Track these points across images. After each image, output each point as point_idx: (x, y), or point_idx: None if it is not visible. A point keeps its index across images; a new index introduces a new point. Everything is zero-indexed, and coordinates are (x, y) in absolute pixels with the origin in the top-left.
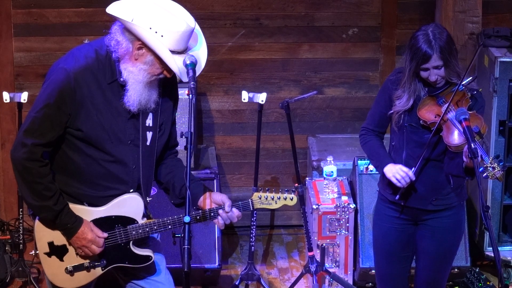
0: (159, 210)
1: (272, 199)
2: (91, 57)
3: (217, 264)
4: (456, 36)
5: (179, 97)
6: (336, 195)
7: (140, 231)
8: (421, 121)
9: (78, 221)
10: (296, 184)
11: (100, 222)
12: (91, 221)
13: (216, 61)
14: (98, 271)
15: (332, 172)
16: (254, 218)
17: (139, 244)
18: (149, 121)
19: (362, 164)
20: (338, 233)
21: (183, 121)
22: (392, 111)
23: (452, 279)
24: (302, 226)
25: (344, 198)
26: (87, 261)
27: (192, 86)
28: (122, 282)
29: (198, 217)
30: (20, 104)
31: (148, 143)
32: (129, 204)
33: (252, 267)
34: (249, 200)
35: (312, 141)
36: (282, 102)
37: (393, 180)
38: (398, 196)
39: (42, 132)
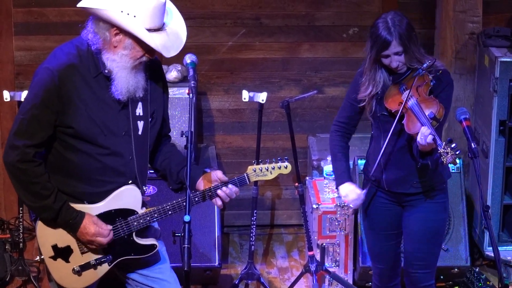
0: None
1: (267, 170)
2: (72, 54)
3: (217, 263)
4: (457, 35)
5: (179, 96)
6: (336, 195)
7: (141, 221)
8: (388, 110)
9: (80, 215)
10: (296, 184)
11: (101, 218)
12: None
13: (217, 60)
14: (105, 267)
15: (332, 171)
16: (254, 217)
17: (141, 234)
18: (139, 110)
19: (362, 163)
20: (338, 233)
21: (183, 120)
22: (363, 103)
23: (452, 279)
24: (302, 226)
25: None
26: (93, 258)
27: (192, 85)
28: (122, 278)
29: (196, 199)
30: (20, 103)
31: (140, 133)
32: (127, 196)
33: (252, 267)
34: (245, 174)
35: (312, 140)
36: (282, 101)
37: (346, 200)
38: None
39: (31, 133)
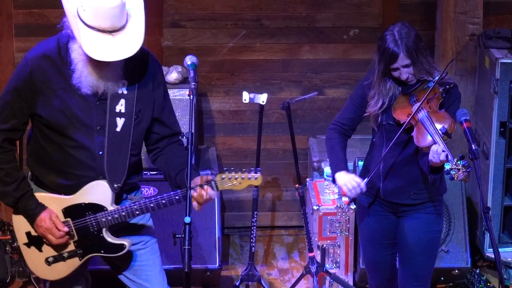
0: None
1: (236, 179)
2: (52, 44)
3: (217, 264)
4: (457, 37)
5: (180, 97)
6: (336, 196)
7: (109, 217)
8: (396, 120)
9: (39, 208)
10: (297, 185)
11: (71, 210)
12: (63, 209)
13: (217, 61)
14: (76, 261)
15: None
16: (255, 219)
17: (117, 232)
18: (120, 107)
19: (362, 164)
20: (338, 234)
21: (184, 122)
22: (367, 114)
23: (453, 280)
24: (302, 227)
25: (345, 199)
26: (65, 251)
27: (193, 86)
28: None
29: (163, 202)
30: None
31: (118, 129)
32: (97, 191)
33: (253, 268)
34: (213, 181)
35: (313, 142)
36: (283, 103)
37: (344, 188)
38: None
39: (3, 118)
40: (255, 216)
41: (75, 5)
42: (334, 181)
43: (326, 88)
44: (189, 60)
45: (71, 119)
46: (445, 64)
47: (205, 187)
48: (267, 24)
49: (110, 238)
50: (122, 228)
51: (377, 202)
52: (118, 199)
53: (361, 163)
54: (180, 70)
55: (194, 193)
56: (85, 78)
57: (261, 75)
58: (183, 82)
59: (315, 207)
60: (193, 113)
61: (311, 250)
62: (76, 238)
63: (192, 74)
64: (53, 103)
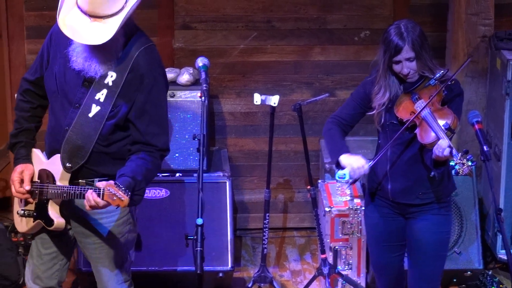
0: (171, 211)
1: (117, 196)
2: None
3: (229, 266)
4: (469, 38)
5: (191, 99)
6: (348, 198)
7: (51, 191)
8: (399, 119)
9: (21, 160)
10: (309, 187)
11: (41, 173)
12: (39, 169)
13: (228, 63)
14: (30, 222)
15: (344, 174)
16: (267, 220)
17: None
18: (100, 96)
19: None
20: (350, 236)
21: (195, 123)
22: (373, 112)
23: (465, 282)
24: (314, 229)
25: (357, 200)
26: (27, 208)
27: (204, 88)
28: None
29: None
30: None
31: (90, 115)
32: (57, 164)
33: (265, 270)
34: (101, 190)
35: (325, 143)
36: (294, 104)
37: (348, 168)
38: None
39: (31, 70)
40: (267, 217)
41: None
42: (338, 165)
43: (338, 89)
44: (200, 61)
45: (58, 87)
46: (457, 65)
47: (93, 193)
48: (278, 26)
49: (51, 211)
50: (85, 218)
51: (385, 204)
52: (73, 181)
53: None
54: (192, 71)
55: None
56: (76, 55)
57: (272, 76)
58: (194, 83)
59: (327, 209)
60: (205, 115)
61: (323, 252)
62: (36, 200)
63: (203, 75)
64: (54, 67)
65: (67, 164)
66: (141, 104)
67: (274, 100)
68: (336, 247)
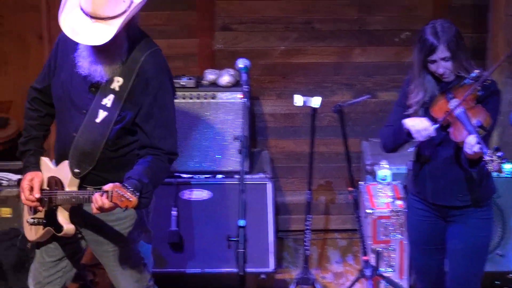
0: (213, 212)
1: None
2: None
3: (272, 268)
4: (509, 39)
5: (232, 100)
6: (390, 200)
7: (60, 197)
8: (434, 118)
9: (30, 167)
10: (350, 188)
11: (51, 180)
12: (48, 177)
13: (269, 64)
14: (40, 229)
15: (386, 176)
16: (309, 222)
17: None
18: (107, 101)
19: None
20: (392, 238)
21: (236, 125)
22: (410, 112)
23: (508, 284)
24: (356, 230)
25: (398, 202)
26: (36, 216)
27: (245, 89)
28: None
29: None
30: None
31: (97, 120)
32: (65, 169)
33: (307, 271)
34: (109, 192)
35: (366, 145)
36: (335, 106)
37: (412, 129)
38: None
39: (39, 78)
40: (309, 219)
41: None
42: (408, 135)
43: (378, 91)
44: (241, 63)
45: (64, 94)
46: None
47: (102, 195)
48: (318, 27)
49: (61, 217)
50: (98, 227)
51: (426, 206)
52: (81, 187)
53: None
54: (232, 73)
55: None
56: (82, 59)
57: (313, 78)
58: (235, 85)
59: (368, 211)
60: (246, 116)
61: (365, 254)
62: (46, 207)
63: (244, 77)
64: (60, 74)
65: (76, 170)
66: (147, 108)
67: (315, 102)
68: (378, 249)
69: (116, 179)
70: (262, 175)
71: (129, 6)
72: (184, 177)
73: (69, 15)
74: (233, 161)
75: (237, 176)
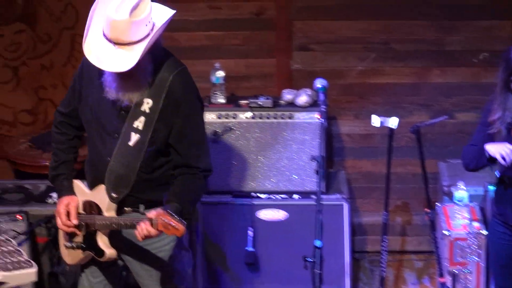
0: (289, 232)
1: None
2: None
3: None
4: None
5: (310, 120)
6: (467, 221)
7: (99, 222)
8: None
9: (64, 192)
10: (427, 209)
11: (86, 204)
12: (83, 201)
13: (346, 85)
14: (79, 254)
15: (463, 197)
16: (385, 243)
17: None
18: (138, 123)
19: (493, 189)
20: (469, 260)
21: (313, 145)
22: (493, 130)
23: None
24: (432, 252)
25: (476, 224)
26: (75, 240)
27: (322, 109)
28: None
29: (122, 222)
30: None
31: (130, 144)
32: (102, 194)
33: None
34: (153, 219)
35: (443, 166)
36: (413, 126)
37: (498, 156)
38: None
39: (65, 102)
40: (385, 240)
41: (98, 5)
42: (490, 160)
43: (456, 112)
44: (319, 83)
45: (94, 119)
46: None
47: (146, 222)
48: (396, 48)
49: (101, 242)
50: (138, 250)
51: (507, 230)
52: (119, 210)
53: (491, 188)
54: (310, 93)
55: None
56: (109, 85)
57: (390, 98)
58: (312, 105)
59: (445, 232)
60: (323, 136)
61: (441, 276)
62: (84, 232)
63: (322, 97)
64: (88, 98)
65: (113, 195)
66: (180, 129)
67: (392, 122)
68: (455, 271)
69: (153, 199)
70: (338, 196)
71: (151, 30)
72: (261, 197)
73: (92, 42)
74: (309, 181)
75: (313, 197)
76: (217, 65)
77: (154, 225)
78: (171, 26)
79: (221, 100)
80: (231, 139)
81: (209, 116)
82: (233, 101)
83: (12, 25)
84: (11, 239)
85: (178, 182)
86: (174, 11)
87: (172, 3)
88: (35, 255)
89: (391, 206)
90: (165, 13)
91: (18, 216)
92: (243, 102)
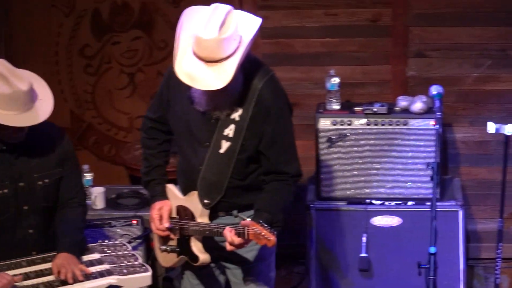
0: (404, 239)
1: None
2: None
3: None
4: None
5: (425, 127)
6: None
7: (192, 228)
8: None
9: (157, 197)
10: None
11: (180, 209)
12: (177, 205)
13: (462, 92)
14: (174, 257)
15: None
16: (500, 250)
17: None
18: (228, 131)
19: None
20: None
21: (428, 152)
22: None
23: None
24: None
25: None
26: (169, 244)
27: (438, 116)
28: None
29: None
30: None
31: (221, 151)
32: (195, 200)
33: None
34: (245, 228)
35: None
36: None
37: None
38: None
39: (153, 108)
40: (500, 247)
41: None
42: None
43: None
44: (434, 90)
45: (185, 128)
46: None
47: (231, 231)
48: None
49: (195, 247)
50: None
51: None
52: (212, 214)
53: None
54: (425, 100)
55: (225, 232)
56: (199, 97)
57: (506, 105)
58: (427, 112)
59: None
60: (438, 143)
61: None
62: (178, 236)
63: (437, 104)
64: (177, 108)
65: (205, 201)
66: (270, 136)
67: (508, 129)
68: None
69: (246, 203)
70: (453, 202)
71: (240, 42)
72: (375, 204)
73: (183, 61)
74: (424, 188)
75: (428, 203)
76: (332, 71)
77: (246, 235)
78: (287, 32)
79: (336, 106)
80: (346, 145)
81: (324, 123)
82: (348, 108)
83: (129, 32)
84: (126, 244)
85: (267, 190)
86: (261, 19)
87: (289, 9)
88: (150, 260)
89: (507, 213)
90: (251, 23)
91: (133, 221)
92: (358, 108)
